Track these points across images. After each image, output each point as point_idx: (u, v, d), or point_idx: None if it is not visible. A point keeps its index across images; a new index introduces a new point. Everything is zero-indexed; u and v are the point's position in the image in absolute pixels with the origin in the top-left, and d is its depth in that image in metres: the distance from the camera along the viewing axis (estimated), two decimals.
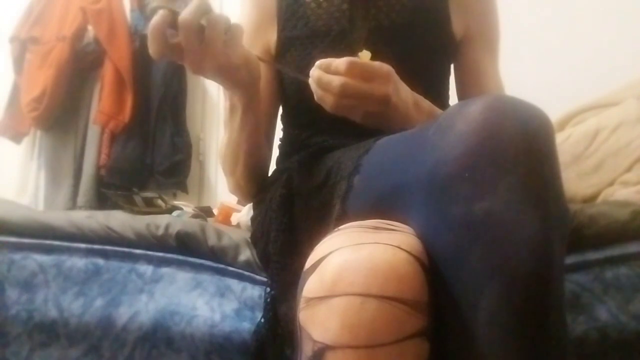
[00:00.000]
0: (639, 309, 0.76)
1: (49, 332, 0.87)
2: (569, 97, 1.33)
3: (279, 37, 0.90)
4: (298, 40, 0.86)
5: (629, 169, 1.07)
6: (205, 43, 0.64)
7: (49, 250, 0.92)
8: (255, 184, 0.90)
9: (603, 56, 1.81)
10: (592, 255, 0.80)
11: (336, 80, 0.68)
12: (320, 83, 0.70)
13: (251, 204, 0.95)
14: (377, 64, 0.70)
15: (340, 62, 0.69)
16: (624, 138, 1.10)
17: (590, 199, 1.10)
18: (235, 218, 1.36)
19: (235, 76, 0.71)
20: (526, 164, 0.46)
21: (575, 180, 1.11)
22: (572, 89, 1.57)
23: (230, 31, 0.66)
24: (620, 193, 1.04)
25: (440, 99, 0.92)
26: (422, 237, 0.50)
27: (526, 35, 1.79)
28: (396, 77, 0.72)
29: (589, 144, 1.14)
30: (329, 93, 0.69)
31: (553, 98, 1.11)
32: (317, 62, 0.71)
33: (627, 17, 1.85)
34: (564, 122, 1.26)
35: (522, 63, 1.64)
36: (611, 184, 1.09)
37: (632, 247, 0.81)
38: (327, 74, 0.69)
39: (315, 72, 0.71)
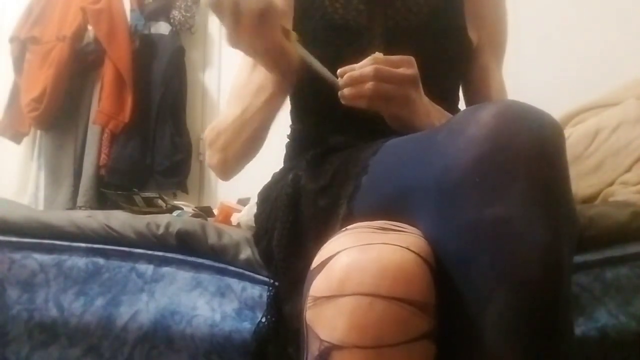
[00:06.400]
0: (639, 310, 0.76)
1: (49, 331, 0.87)
2: (569, 97, 1.34)
3: (295, 27, 0.90)
4: (314, 32, 0.86)
5: (629, 169, 1.08)
6: (239, 21, 0.68)
7: (49, 249, 0.92)
8: (242, 165, 0.91)
9: (603, 56, 1.81)
10: (592, 256, 0.80)
11: (368, 69, 0.70)
12: (352, 80, 0.72)
13: (254, 203, 0.95)
14: (397, 56, 0.73)
15: (364, 60, 0.71)
16: (624, 138, 1.10)
17: (590, 199, 1.10)
18: (235, 218, 1.36)
19: (267, 58, 0.76)
20: (537, 171, 0.46)
21: (575, 180, 1.11)
22: (572, 89, 1.57)
23: (266, 14, 0.70)
24: (620, 193, 1.04)
25: (454, 103, 0.93)
26: (429, 240, 0.50)
27: (526, 35, 1.79)
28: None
29: (589, 144, 1.15)
30: (365, 83, 0.71)
31: (553, 98, 1.11)
32: (339, 70, 0.73)
33: (627, 17, 1.85)
34: (564, 122, 1.26)
35: (523, 63, 1.64)
36: (611, 184, 1.09)
37: (632, 248, 0.81)
38: (355, 72, 0.71)
39: (343, 78, 0.72)
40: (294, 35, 0.75)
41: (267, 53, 0.75)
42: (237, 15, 0.68)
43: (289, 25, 0.89)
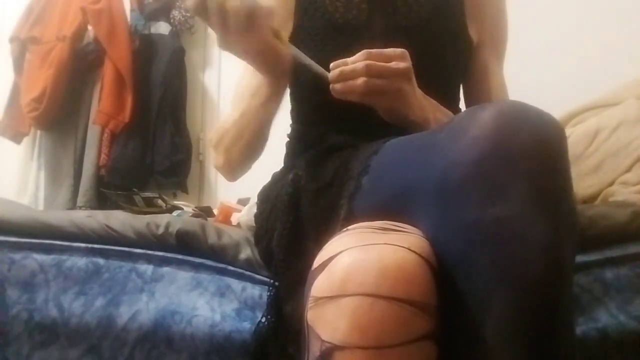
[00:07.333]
0: (639, 310, 0.76)
1: (49, 331, 0.87)
2: (569, 97, 1.34)
3: (295, 26, 0.90)
4: (314, 30, 0.86)
5: (629, 169, 1.08)
6: (227, 24, 0.67)
7: (49, 249, 0.92)
8: (247, 165, 0.91)
9: (603, 56, 1.81)
10: (592, 256, 0.80)
11: (360, 65, 0.70)
12: (343, 75, 0.71)
13: (254, 202, 0.95)
14: (390, 49, 0.72)
15: (357, 55, 0.71)
16: (624, 138, 1.10)
17: (590, 199, 1.11)
18: (235, 218, 1.35)
19: (258, 60, 0.75)
20: (539, 171, 0.46)
21: (575, 180, 1.11)
22: (572, 89, 1.57)
23: (253, 15, 0.68)
24: (620, 193, 1.04)
25: (454, 102, 0.93)
26: (430, 239, 0.50)
27: (527, 35, 1.79)
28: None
29: (588, 144, 1.15)
30: (357, 79, 0.70)
31: (553, 98, 1.11)
32: (332, 64, 0.72)
33: (627, 17, 1.85)
34: (564, 122, 1.26)
35: (523, 63, 1.64)
36: (611, 184, 1.09)
37: (632, 248, 0.81)
38: (347, 66, 0.71)
39: (334, 71, 0.72)
40: (284, 34, 0.75)
41: (258, 54, 0.74)
42: (224, 17, 0.67)
43: (285, 25, 0.88)
